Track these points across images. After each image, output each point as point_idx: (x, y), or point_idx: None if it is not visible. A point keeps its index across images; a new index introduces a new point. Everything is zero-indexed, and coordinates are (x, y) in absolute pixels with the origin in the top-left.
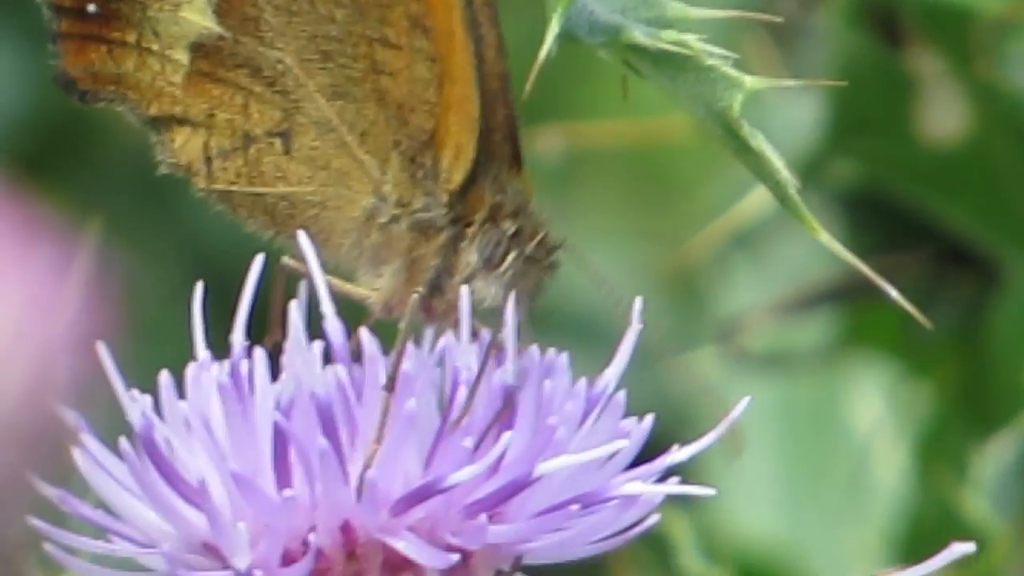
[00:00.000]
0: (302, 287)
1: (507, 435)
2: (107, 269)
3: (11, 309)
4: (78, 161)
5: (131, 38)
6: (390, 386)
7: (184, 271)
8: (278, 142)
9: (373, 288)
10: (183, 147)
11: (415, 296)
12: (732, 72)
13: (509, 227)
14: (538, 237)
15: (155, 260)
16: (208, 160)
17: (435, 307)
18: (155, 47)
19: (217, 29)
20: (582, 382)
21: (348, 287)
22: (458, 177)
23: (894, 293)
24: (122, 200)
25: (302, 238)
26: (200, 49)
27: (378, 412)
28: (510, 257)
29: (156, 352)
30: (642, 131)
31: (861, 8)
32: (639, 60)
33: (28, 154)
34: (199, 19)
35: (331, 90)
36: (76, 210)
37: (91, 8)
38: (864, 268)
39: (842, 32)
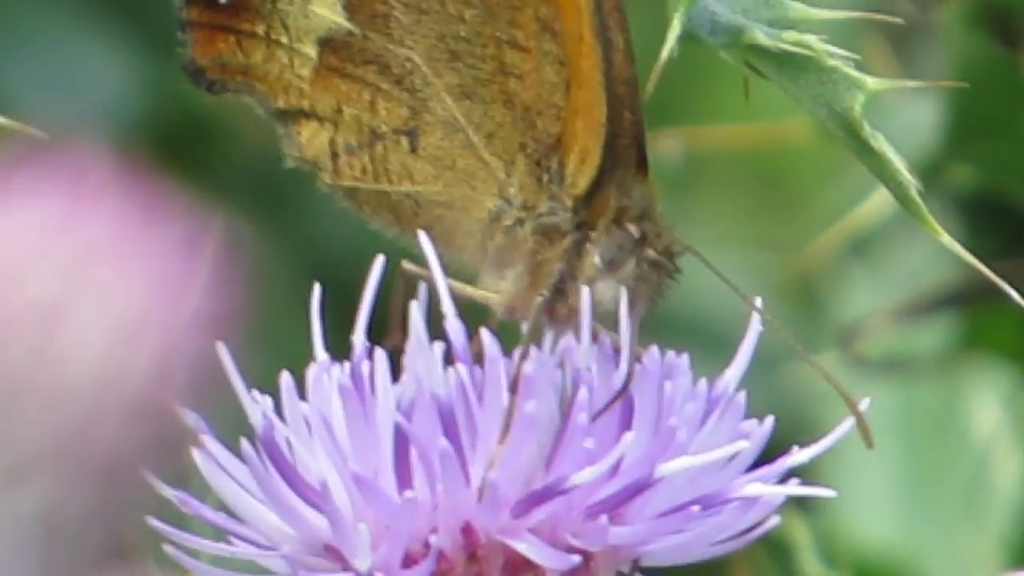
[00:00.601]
0: (423, 288)
1: (628, 436)
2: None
3: (138, 290)
4: (197, 164)
5: (260, 30)
6: (512, 387)
7: (303, 274)
8: (404, 140)
9: (496, 290)
10: (309, 141)
11: (539, 299)
12: (854, 73)
13: (634, 231)
14: (662, 242)
15: (274, 262)
16: (334, 155)
17: (558, 311)
18: (284, 40)
19: (346, 24)
20: (702, 383)
21: (469, 289)
22: (583, 182)
23: (1016, 295)
24: (242, 202)
25: (423, 237)
26: (329, 44)
27: (499, 414)
28: (632, 260)
29: (276, 353)
30: (761, 135)
31: (979, 9)
32: (761, 61)
33: (151, 154)
34: (328, 13)
35: (458, 90)
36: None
37: None
38: (985, 270)
39: (961, 34)
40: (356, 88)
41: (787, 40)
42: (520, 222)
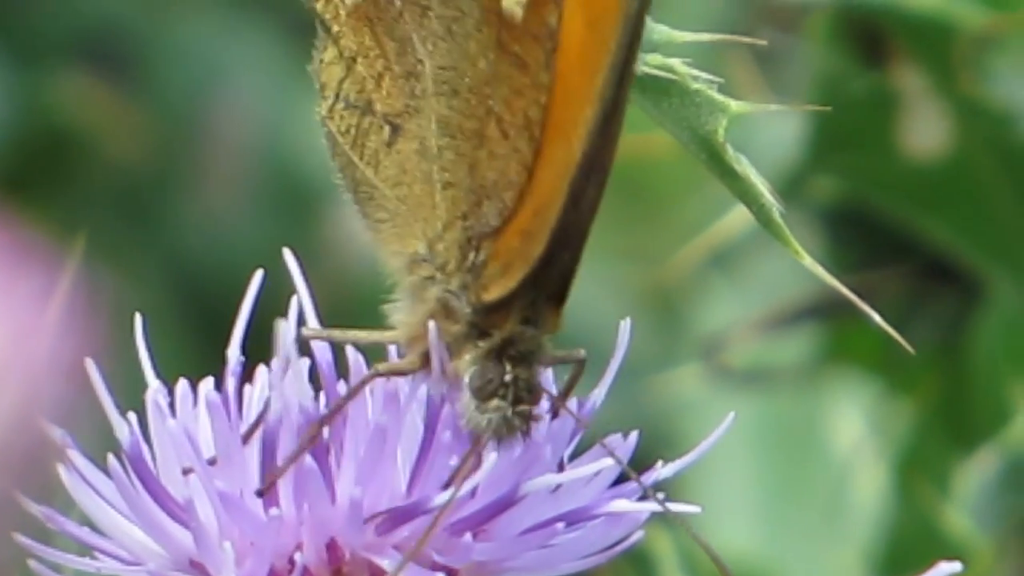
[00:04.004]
0: (292, 304)
1: (491, 457)
2: (92, 290)
3: None
4: (61, 180)
5: None
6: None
7: (168, 289)
8: (387, 130)
9: (403, 320)
10: (327, 67)
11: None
12: (717, 97)
13: (508, 373)
14: (523, 406)
15: (139, 279)
16: (336, 96)
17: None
18: None
19: None
20: (572, 401)
21: (363, 334)
22: (494, 293)
23: (876, 316)
24: (106, 218)
25: (288, 256)
26: None
27: (364, 430)
28: (495, 403)
29: (141, 371)
30: (624, 147)
31: (843, 24)
32: None
33: (10, 174)
34: None
35: (444, 123)
36: (59, 229)
37: None
38: (845, 291)
39: (823, 50)
40: (375, 52)
41: (651, 63)
42: (432, 280)
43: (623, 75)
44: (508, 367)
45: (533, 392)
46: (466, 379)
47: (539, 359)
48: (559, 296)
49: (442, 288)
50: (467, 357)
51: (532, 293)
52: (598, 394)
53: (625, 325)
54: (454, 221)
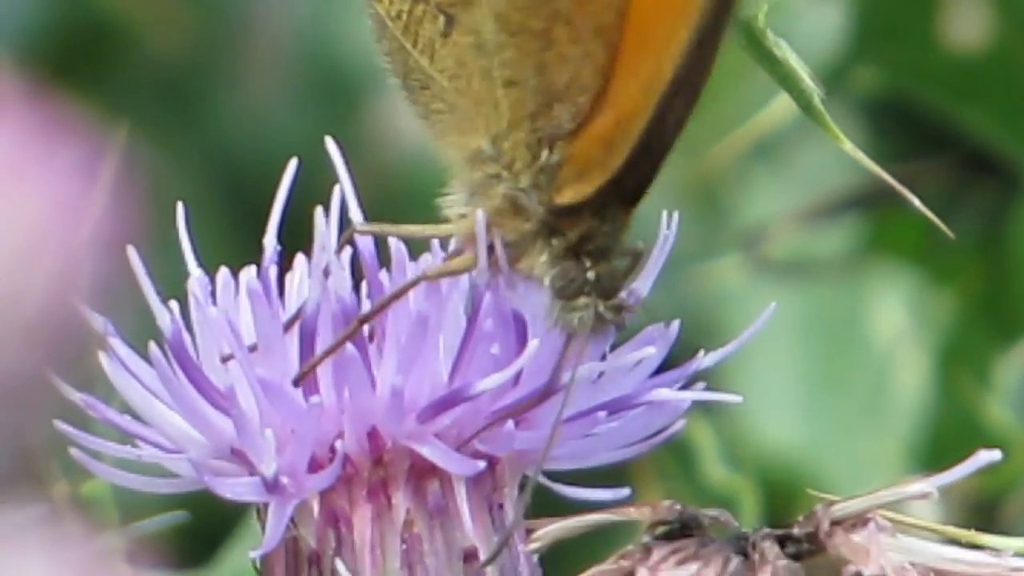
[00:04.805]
0: (334, 194)
1: (534, 342)
2: (134, 171)
3: (36, 209)
4: (102, 70)
5: None
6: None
7: (210, 180)
8: (442, 19)
9: (460, 215)
10: None
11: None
12: None
13: (590, 270)
14: (612, 300)
15: (180, 169)
16: None
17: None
18: None
19: None
20: None
21: (417, 228)
22: (569, 195)
23: (916, 202)
24: (147, 109)
25: (331, 145)
26: None
27: (405, 319)
28: (582, 300)
29: (181, 259)
30: None
31: None
32: None
33: (51, 64)
34: None
35: (503, 20)
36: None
37: None
38: (886, 176)
39: None
40: None
41: None
42: (498, 178)
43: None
44: (588, 263)
45: (617, 284)
46: (547, 281)
47: (617, 252)
48: (633, 200)
49: (510, 186)
50: (542, 258)
51: (607, 199)
52: (642, 286)
53: (672, 218)
54: (521, 120)
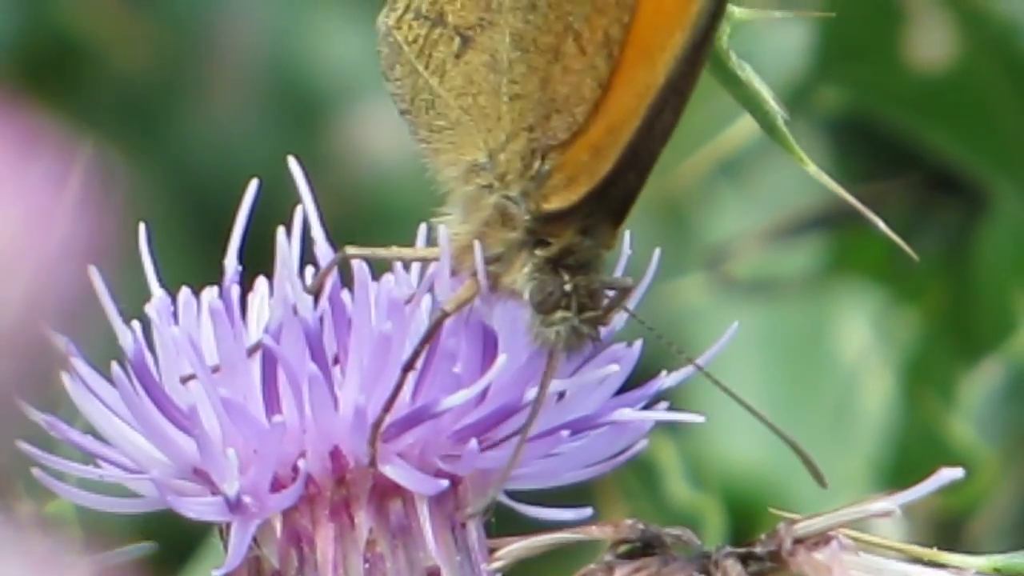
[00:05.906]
0: (297, 213)
1: (501, 359)
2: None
3: (9, 223)
4: (66, 87)
5: None
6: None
7: (173, 199)
8: (457, 41)
9: (453, 232)
10: None
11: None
12: None
13: (567, 283)
14: (588, 313)
15: (144, 188)
16: (407, 7)
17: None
18: None
19: None
20: None
21: (407, 252)
22: (555, 203)
23: (881, 224)
24: (112, 127)
25: (293, 165)
26: None
27: (368, 338)
28: (559, 314)
29: (144, 278)
30: None
31: None
32: None
33: (15, 80)
34: None
35: (518, 38)
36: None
37: None
38: (850, 198)
39: None
40: None
41: None
42: (490, 188)
43: (719, 4)
44: (566, 276)
45: (595, 298)
46: (526, 296)
47: (597, 268)
48: (618, 214)
49: (500, 195)
50: (524, 270)
51: (593, 208)
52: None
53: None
54: (519, 132)
